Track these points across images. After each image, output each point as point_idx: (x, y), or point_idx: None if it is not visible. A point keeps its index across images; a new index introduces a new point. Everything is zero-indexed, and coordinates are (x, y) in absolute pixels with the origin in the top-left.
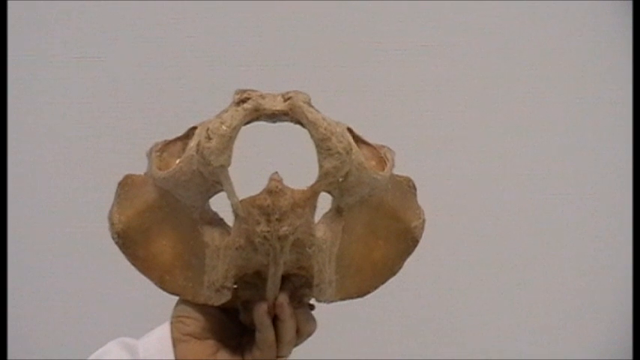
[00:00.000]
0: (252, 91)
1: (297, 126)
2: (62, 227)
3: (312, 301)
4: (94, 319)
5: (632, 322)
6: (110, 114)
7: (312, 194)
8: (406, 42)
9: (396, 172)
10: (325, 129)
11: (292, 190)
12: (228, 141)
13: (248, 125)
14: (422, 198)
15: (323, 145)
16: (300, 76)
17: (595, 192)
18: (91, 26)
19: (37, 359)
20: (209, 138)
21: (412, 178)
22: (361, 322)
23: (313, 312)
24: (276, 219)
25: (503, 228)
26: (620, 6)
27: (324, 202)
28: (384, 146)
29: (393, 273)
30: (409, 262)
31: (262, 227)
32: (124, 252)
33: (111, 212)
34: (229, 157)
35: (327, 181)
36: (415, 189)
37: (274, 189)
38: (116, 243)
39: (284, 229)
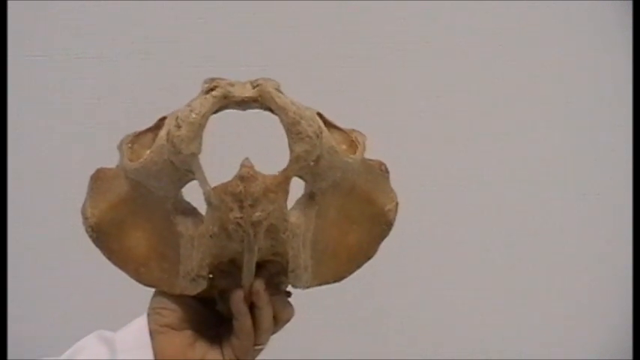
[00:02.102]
0: (221, 79)
1: (271, 115)
2: (63, 227)
3: (289, 288)
4: (94, 319)
5: (632, 322)
6: (110, 114)
7: (284, 179)
8: (400, 38)
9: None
10: (294, 113)
11: (264, 176)
12: (197, 129)
13: (218, 114)
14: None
15: (293, 130)
16: (297, 74)
17: (594, 191)
18: (91, 26)
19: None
20: (179, 126)
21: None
22: (360, 322)
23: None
24: (249, 205)
25: (502, 229)
26: (620, 6)
27: (298, 188)
28: (354, 130)
29: (368, 257)
30: (408, 260)
31: (235, 214)
32: (98, 246)
33: (84, 206)
34: (200, 144)
35: (299, 165)
36: (388, 172)
37: (246, 175)
38: (90, 237)
39: (257, 214)
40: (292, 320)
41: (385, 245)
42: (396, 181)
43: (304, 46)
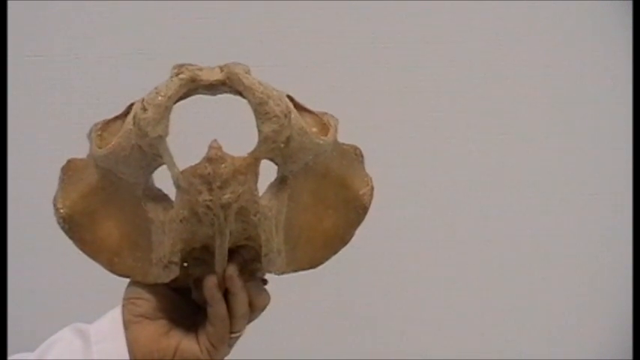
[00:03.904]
0: (190, 64)
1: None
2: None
3: (266, 276)
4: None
5: (632, 322)
6: (110, 114)
7: (253, 160)
8: (399, 37)
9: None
10: (262, 92)
11: (232, 157)
12: (164, 111)
13: (189, 99)
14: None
15: (260, 110)
16: (297, 75)
17: (594, 191)
18: (91, 26)
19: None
20: (144, 109)
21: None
22: (358, 321)
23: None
24: (218, 187)
25: (500, 227)
26: (620, 6)
27: (271, 174)
28: (326, 113)
29: (345, 242)
30: (409, 261)
31: (204, 196)
32: (70, 237)
33: (55, 198)
34: (166, 127)
35: (268, 146)
36: (362, 157)
37: (214, 156)
38: (62, 228)
39: (226, 197)
40: (287, 320)
41: (384, 243)
42: (397, 178)
43: (305, 46)
